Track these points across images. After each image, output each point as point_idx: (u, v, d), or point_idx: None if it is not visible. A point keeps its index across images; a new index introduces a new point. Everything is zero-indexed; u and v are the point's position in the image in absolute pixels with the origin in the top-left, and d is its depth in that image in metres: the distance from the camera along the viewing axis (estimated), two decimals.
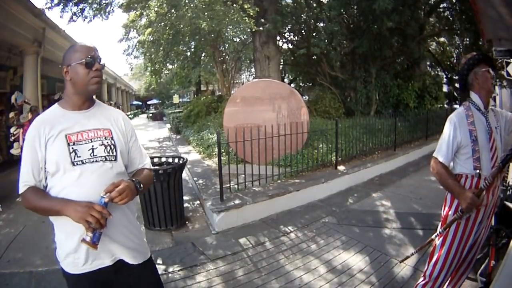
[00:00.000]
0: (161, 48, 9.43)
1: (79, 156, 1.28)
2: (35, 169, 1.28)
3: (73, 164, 1.26)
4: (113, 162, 1.35)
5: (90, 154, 1.30)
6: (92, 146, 1.31)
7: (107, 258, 1.31)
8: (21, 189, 1.28)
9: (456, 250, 1.85)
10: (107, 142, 1.35)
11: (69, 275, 1.30)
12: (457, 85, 12.35)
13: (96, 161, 1.30)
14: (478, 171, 1.78)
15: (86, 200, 1.22)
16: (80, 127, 1.32)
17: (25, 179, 1.28)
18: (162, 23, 8.17)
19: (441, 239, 1.89)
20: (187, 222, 3.99)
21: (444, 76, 13.45)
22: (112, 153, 1.35)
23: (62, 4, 7.50)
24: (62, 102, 1.38)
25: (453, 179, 1.83)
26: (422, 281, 1.97)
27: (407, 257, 2.19)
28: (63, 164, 1.25)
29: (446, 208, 1.92)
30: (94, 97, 1.44)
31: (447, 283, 2.00)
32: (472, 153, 1.79)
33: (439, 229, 1.91)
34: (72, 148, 1.28)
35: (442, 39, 12.87)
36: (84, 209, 1.17)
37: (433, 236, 1.93)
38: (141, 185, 1.35)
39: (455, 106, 12.35)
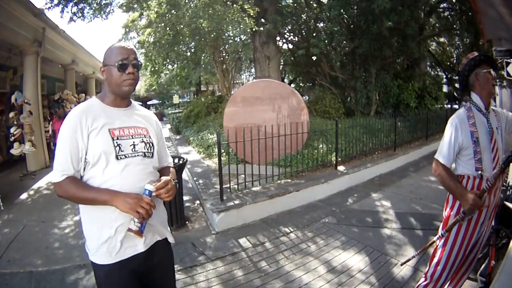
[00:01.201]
0: (160, 49, 9.42)
1: (122, 151, 1.35)
2: (74, 158, 1.31)
3: (118, 158, 1.33)
4: (151, 158, 1.45)
5: (132, 149, 1.38)
6: (134, 142, 1.39)
7: (141, 244, 1.37)
8: (59, 178, 1.30)
9: (458, 251, 1.84)
10: (147, 140, 1.44)
11: (101, 266, 1.34)
12: (457, 85, 12.36)
13: (137, 155, 1.39)
14: (480, 172, 1.78)
15: (129, 191, 1.30)
16: (121, 123, 1.39)
17: (63, 168, 1.30)
18: (162, 24, 8.17)
19: (443, 240, 1.89)
20: (187, 222, 3.98)
21: (444, 76, 13.46)
22: (151, 150, 1.45)
23: (62, 4, 7.50)
24: (101, 97, 1.44)
25: (454, 181, 1.83)
26: (423, 281, 1.97)
27: (408, 260, 2.19)
28: (107, 157, 1.31)
29: (448, 209, 1.91)
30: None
31: (447, 284, 2.00)
32: (474, 154, 1.79)
33: (440, 231, 1.90)
34: (117, 142, 1.34)
35: (442, 39, 12.87)
36: (134, 200, 1.26)
37: (434, 238, 1.92)
38: (177, 184, 1.48)
39: (455, 106, 12.36)
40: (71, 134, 1.30)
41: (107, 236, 1.31)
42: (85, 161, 1.32)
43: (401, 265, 2.43)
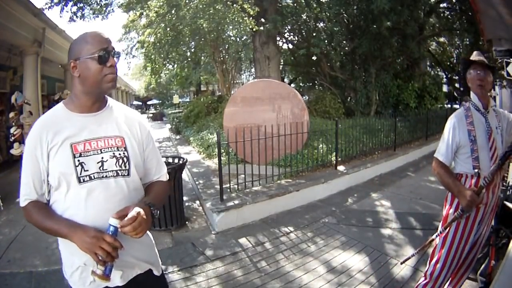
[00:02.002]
0: (161, 50, 9.43)
1: (86, 170, 1.09)
2: (36, 181, 1.11)
3: (80, 181, 1.08)
4: (126, 178, 1.16)
5: (100, 168, 1.11)
6: (102, 158, 1.12)
7: (118, 278, 1.15)
8: (22, 203, 1.14)
9: (456, 249, 1.85)
10: (120, 154, 1.15)
11: None
12: (457, 85, 12.38)
13: (106, 176, 1.12)
14: (477, 170, 1.80)
15: (94, 224, 1.06)
16: (88, 134, 1.13)
17: (26, 192, 1.13)
18: (162, 24, 8.17)
19: (441, 239, 1.90)
20: (187, 222, 3.98)
21: (444, 76, 13.46)
22: (125, 166, 1.16)
23: (61, 3, 7.50)
24: (68, 102, 1.18)
25: (453, 178, 1.85)
26: (423, 281, 1.97)
27: (408, 258, 2.20)
28: (67, 179, 1.08)
29: (447, 207, 1.93)
30: (106, 96, 1.24)
31: (447, 283, 2.00)
32: (471, 152, 1.81)
33: (439, 229, 1.91)
34: (78, 160, 1.09)
35: (442, 39, 12.87)
36: (92, 240, 1.01)
37: (433, 236, 1.93)
38: (157, 211, 1.17)
39: (455, 106, 12.36)
40: (32, 152, 1.10)
41: (78, 265, 1.12)
42: (48, 184, 1.11)
43: (401, 263, 2.44)
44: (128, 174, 1.17)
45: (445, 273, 1.88)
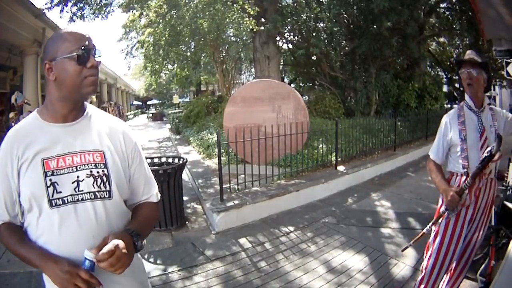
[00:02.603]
0: (161, 49, 9.44)
1: (59, 192, 0.94)
2: (8, 201, 0.96)
3: (52, 204, 0.93)
4: (106, 200, 1.00)
5: (74, 189, 0.96)
6: (77, 177, 0.96)
7: None
8: None
9: (448, 245, 1.88)
10: (98, 172, 0.99)
11: None
12: (457, 85, 12.39)
13: (82, 199, 0.96)
14: (465, 169, 1.83)
15: (69, 255, 0.92)
16: (63, 148, 0.97)
17: None
18: (161, 24, 8.18)
19: (433, 235, 1.95)
20: (187, 222, 3.98)
21: (444, 76, 13.47)
22: (105, 187, 1.00)
23: (61, 3, 7.51)
24: (42, 110, 1.02)
25: (440, 177, 1.89)
26: (420, 275, 2.03)
27: (407, 247, 2.21)
28: (38, 202, 0.93)
29: (439, 205, 1.98)
30: (86, 102, 1.09)
31: (445, 284, 2.01)
32: (461, 151, 1.83)
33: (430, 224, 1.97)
34: (50, 180, 0.93)
35: (442, 39, 12.89)
36: (66, 276, 0.87)
37: (424, 230, 1.97)
38: (142, 242, 1.00)
39: (455, 106, 12.37)
40: (2, 170, 0.95)
41: None
42: (20, 205, 0.96)
43: (402, 251, 2.44)
44: (109, 196, 1.00)
45: (438, 268, 1.91)
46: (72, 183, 0.96)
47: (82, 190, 0.96)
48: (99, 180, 0.99)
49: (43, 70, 0.98)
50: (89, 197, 0.97)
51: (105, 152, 1.02)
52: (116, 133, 1.08)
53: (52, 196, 0.93)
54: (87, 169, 0.98)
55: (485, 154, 1.70)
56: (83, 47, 0.95)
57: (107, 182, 1.00)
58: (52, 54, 0.96)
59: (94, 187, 0.98)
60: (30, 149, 0.94)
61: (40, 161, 0.94)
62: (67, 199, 0.95)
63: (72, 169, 0.96)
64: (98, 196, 0.98)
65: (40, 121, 0.99)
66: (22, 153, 0.94)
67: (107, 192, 1.00)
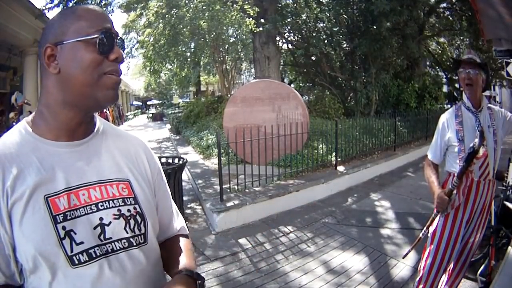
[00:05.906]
0: (160, 49, 9.45)
1: (80, 243, 0.64)
2: (0, 256, 0.63)
3: (73, 262, 0.63)
4: (143, 247, 0.72)
5: (99, 237, 0.66)
6: (100, 219, 0.67)
7: None
8: None
9: (445, 246, 1.88)
10: (129, 210, 0.71)
11: None
12: (457, 85, 12.40)
13: (113, 250, 0.67)
14: None
15: None
16: (72, 179, 0.67)
17: None
18: (161, 24, 8.19)
19: (431, 235, 1.95)
20: (187, 222, 3.98)
21: (444, 76, 13.48)
22: (139, 230, 0.72)
23: (62, 4, 7.51)
24: (35, 121, 0.70)
25: (432, 178, 1.90)
26: (418, 275, 2.02)
27: (407, 254, 2.21)
28: (50, 261, 0.62)
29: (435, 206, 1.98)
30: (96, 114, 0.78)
31: (444, 284, 2.01)
32: (458, 152, 1.82)
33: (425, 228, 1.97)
34: (64, 227, 0.63)
35: (442, 39, 12.89)
36: None
37: (420, 235, 1.98)
38: (204, 283, 0.72)
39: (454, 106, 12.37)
40: None
41: None
42: (16, 262, 0.63)
43: (403, 258, 2.45)
44: (144, 241, 0.73)
45: (436, 268, 1.91)
46: (94, 228, 0.66)
47: (111, 238, 0.67)
48: (132, 222, 0.71)
49: (41, 58, 0.67)
50: (121, 246, 0.68)
51: (131, 181, 0.74)
52: (139, 155, 0.80)
53: (72, 251, 0.63)
54: (113, 207, 0.69)
55: (467, 151, 1.68)
56: (105, 30, 0.65)
57: (142, 223, 0.73)
58: (58, 34, 0.65)
59: (128, 232, 0.70)
60: (24, 180, 0.63)
61: (42, 200, 0.63)
62: (95, 252, 0.65)
63: (91, 208, 0.67)
64: (134, 243, 0.70)
65: (33, 138, 0.67)
66: (12, 187, 0.62)
67: (142, 236, 0.72)
